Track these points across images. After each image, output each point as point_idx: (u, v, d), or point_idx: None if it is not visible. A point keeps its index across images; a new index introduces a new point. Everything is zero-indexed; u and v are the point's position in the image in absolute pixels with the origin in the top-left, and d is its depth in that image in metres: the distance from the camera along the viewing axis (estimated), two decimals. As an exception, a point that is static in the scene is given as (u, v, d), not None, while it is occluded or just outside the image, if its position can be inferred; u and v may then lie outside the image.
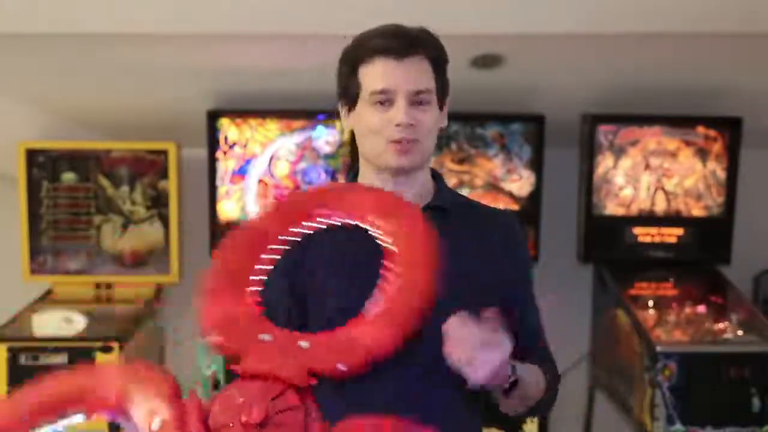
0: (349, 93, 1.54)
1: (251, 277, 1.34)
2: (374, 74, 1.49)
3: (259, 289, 1.42)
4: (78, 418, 1.26)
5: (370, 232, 1.36)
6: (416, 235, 1.32)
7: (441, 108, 1.56)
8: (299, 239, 1.51)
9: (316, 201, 1.43)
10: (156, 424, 1.20)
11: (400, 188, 1.55)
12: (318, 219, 1.41)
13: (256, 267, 1.35)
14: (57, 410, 1.25)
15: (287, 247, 1.47)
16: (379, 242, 1.34)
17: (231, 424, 1.18)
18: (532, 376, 1.49)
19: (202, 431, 1.18)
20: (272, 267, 1.54)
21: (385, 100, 1.49)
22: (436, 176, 1.63)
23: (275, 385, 1.21)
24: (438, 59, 1.53)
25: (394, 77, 1.48)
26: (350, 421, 1.20)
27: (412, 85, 1.49)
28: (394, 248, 1.32)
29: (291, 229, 1.39)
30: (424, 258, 1.30)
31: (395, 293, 1.27)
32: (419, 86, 1.49)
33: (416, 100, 1.49)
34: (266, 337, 1.26)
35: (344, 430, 1.19)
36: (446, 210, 1.57)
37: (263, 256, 1.36)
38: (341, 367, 1.22)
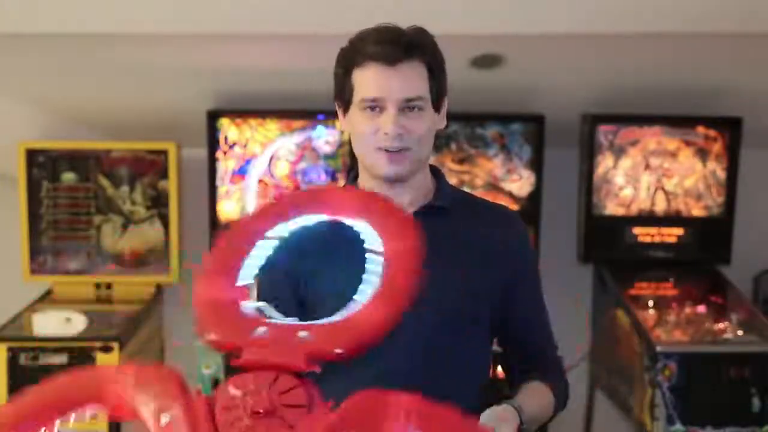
0: (343, 95, 1.53)
1: (242, 273, 1.34)
2: (366, 80, 1.48)
3: (253, 286, 1.43)
4: (83, 416, 1.27)
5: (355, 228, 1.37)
6: (396, 226, 1.33)
7: (438, 110, 1.55)
8: (299, 242, 1.52)
9: (301, 200, 1.43)
10: (165, 419, 1.21)
11: (397, 192, 1.55)
12: (303, 217, 1.41)
13: (247, 263, 1.35)
14: (60, 411, 1.26)
15: (283, 247, 1.48)
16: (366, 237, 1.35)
17: (239, 418, 1.19)
18: (540, 408, 1.49)
19: (211, 427, 1.19)
20: (272, 271, 1.55)
21: (375, 107, 1.48)
22: (437, 173, 1.63)
23: (271, 372, 1.22)
24: (433, 64, 1.52)
25: (386, 85, 1.47)
26: (356, 397, 1.21)
27: (403, 93, 1.47)
28: (374, 240, 1.32)
29: (279, 226, 1.39)
30: (411, 240, 1.30)
31: (383, 278, 1.27)
32: (410, 94, 1.48)
33: (408, 107, 1.48)
34: (263, 329, 1.27)
35: (350, 407, 1.20)
36: (446, 209, 1.57)
37: (253, 252, 1.36)
38: (338, 350, 1.21)
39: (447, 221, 1.55)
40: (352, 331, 1.24)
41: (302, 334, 1.25)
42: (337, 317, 1.27)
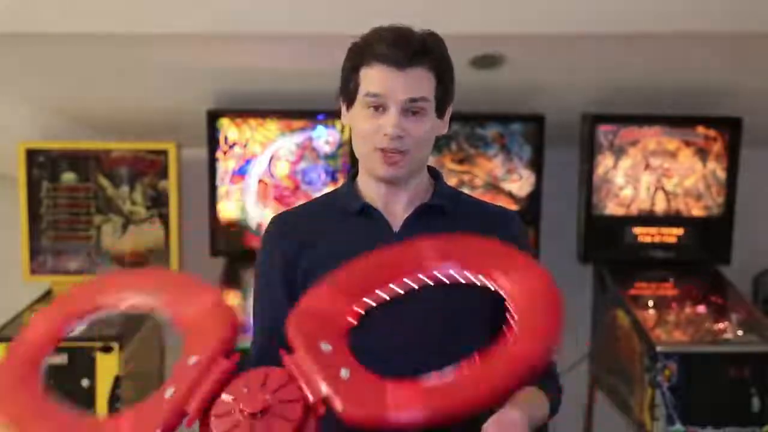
0: (348, 90, 1.53)
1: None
2: (373, 78, 1.49)
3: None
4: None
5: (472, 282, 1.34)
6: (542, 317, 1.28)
7: (441, 116, 1.55)
8: (293, 242, 1.53)
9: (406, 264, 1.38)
10: (192, 360, 1.25)
11: (394, 192, 1.55)
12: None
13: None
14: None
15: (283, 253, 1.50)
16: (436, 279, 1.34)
17: (232, 411, 1.18)
18: (536, 409, 1.47)
19: (198, 413, 1.21)
20: (270, 278, 1.56)
21: (378, 104, 1.48)
22: (436, 174, 1.63)
23: (277, 376, 1.22)
24: (442, 70, 1.52)
25: (392, 85, 1.47)
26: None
27: (407, 94, 1.47)
28: (513, 312, 1.27)
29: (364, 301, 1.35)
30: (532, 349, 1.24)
31: (467, 377, 1.21)
32: (414, 94, 1.48)
33: (410, 108, 1.48)
34: (327, 346, 1.26)
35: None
36: (443, 209, 1.57)
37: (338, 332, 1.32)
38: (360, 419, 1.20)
39: (445, 220, 1.55)
40: (382, 410, 1.19)
41: (345, 373, 1.22)
42: (384, 382, 1.21)
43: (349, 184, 1.60)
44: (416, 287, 1.37)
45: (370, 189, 1.57)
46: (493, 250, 1.38)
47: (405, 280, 1.35)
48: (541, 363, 1.22)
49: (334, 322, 1.30)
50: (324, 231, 1.56)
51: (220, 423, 1.20)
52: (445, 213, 1.57)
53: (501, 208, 1.70)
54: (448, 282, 1.36)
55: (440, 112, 1.54)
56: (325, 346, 1.25)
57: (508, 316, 1.28)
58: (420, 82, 1.48)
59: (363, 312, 1.34)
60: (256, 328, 1.58)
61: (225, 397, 1.22)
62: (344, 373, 1.22)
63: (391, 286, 1.35)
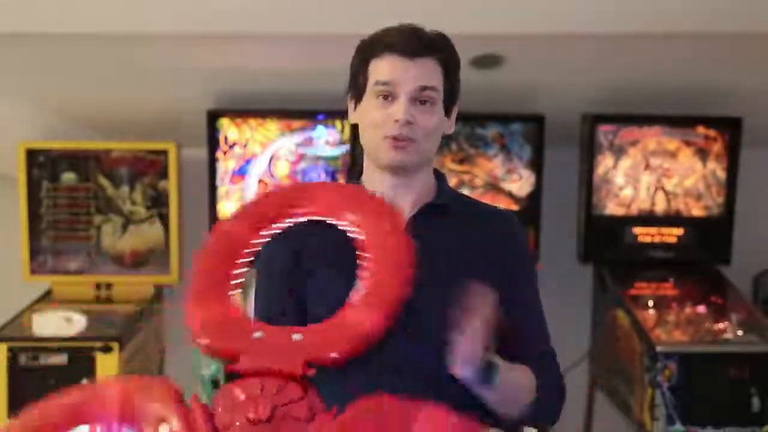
0: (357, 85, 1.54)
1: (231, 281, 1.35)
2: (383, 67, 1.49)
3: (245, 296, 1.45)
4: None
5: (340, 227, 1.37)
6: (386, 223, 1.34)
7: (448, 114, 1.56)
8: (293, 242, 1.53)
9: (285, 201, 1.43)
10: (164, 431, 1.21)
11: (400, 187, 1.55)
12: (287, 218, 1.41)
13: (234, 272, 1.35)
14: (62, 427, 1.26)
15: (280, 243, 1.49)
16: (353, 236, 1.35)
17: (237, 423, 1.18)
18: (515, 373, 1.46)
19: (211, 429, 1.19)
20: (269, 270, 1.56)
21: (388, 93, 1.49)
22: (439, 176, 1.63)
23: (275, 379, 1.21)
24: (450, 65, 1.53)
25: (402, 74, 1.48)
26: (359, 405, 1.20)
27: (418, 82, 1.48)
28: (363, 237, 1.33)
29: (262, 231, 1.40)
30: (398, 241, 1.31)
31: (375, 278, 1.28)
32: (424, 82, 1.48)
33: (420, 98, 1.49)
34: (259, 334, 1.27)
35: (352, 417, 1.19)
36: (447, 208, 1.57)
37: (239, 260, 1.37)
38: (334, 354, 1.22)
39: (448, 220, 1.55)
40: (345, 336, 1.24)
41: (296, 337, 1.25)
42: (330, 321, 1.27)
43: (354, 182, 1.61)
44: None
45: (375, 185, 1.56)
46: (350, 194, 1.43)
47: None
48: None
49: (233, 318, 1.31)
50: (327, 227, 1.55)
51: (226, 416, 1.19)
52: (449, 212, 1.57)
53: (500, 209, 1.70)
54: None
55: (446, 109, 1.55)
56: (257, 334, 1.27)
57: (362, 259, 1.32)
58: (429, 72, 1.49)
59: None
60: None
61: (237, 393, 1.21)
62: (296, 336, 1.25)
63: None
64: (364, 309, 1.25)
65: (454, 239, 1.54)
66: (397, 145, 1.49)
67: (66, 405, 1.27)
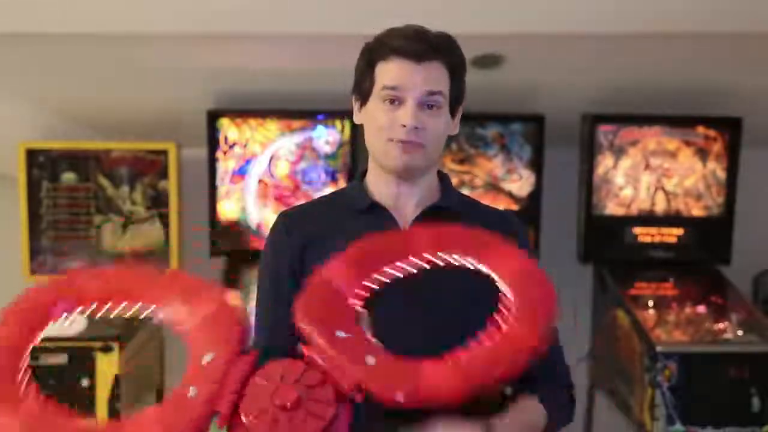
0: (363, 88, 1.53)
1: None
2: (389, 71, 1.49)
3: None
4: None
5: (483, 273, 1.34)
6: (538, 289, 1.29)
7: (453, 115, 1.55)
8: (301, 245, 1.52)
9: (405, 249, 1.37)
10: (207, 358, 1.22)
11: (405, 192, 1.55)
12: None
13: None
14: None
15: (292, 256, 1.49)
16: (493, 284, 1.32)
17: (264, 408, 1.18)
18: (524, 426, 1.45)
19: (238, 389, 1.19)
20: (276, 274, 1.55)
21: (395, 97, 1.48)
22: (443, 177, 1.63)
23: (300, 368, 1.21)
24: (456, 67, 1.52)
25: (409, 77, 1.47)
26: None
27: (426, 86, 1.47)
28: (509, 295, 1.28)
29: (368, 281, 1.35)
30: (540, 320, 1.25)
31: (489, 349, 1.22)
32: (432, 87, 1.48)
33: (427, 102, 1.48)
34: (342, 334, 1.25)
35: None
36: (450, 210, 1.57)
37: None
38: (398, 397, 1.18)
39: (451, 222, 1.55)
40: (419, 388, 1.18)
41: (371, 360, 1.21)
42: (411, 363, 1.21)
43: (358, 183, 1.60)
44: (419, 272, 1.37)
45: (380, 187, 1.56)
46: (482, 238, 1.38)
47: (401, 264, 1.36)
48: (540, 343, 1.23)
49: (341, 308, 1.30)
50: (331, 228, 1.55)
51: (256, 419, 1.18)
52: (453, 214, 1.57)
53: (501, 211, 1.70)
54: (442, 265, 1.36)
55: (452, 111, 1.54)
56: (341, 334, 1.25)
57: (502, 296, 1.28)
58: (436, 75, 1.49)
59: (366, 296, 1.34)
60: (259, 325, 1.57)
61: (253, 391, 1.21)
62: (370, 360, 1.21)
63: (389, 270, 1.35)
64: (451, 375, 1.20)
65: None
66: (406, 148, 1.49)
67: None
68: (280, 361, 1.23)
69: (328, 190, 3.42)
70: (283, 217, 1.61)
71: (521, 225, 1.65)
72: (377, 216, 1.55)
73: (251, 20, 3.07)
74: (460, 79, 1.54)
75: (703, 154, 3.71)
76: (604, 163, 3.70)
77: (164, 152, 3.66)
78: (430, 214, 1.56)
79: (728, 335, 3.34)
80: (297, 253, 1.54)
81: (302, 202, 1.77)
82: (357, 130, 3.50)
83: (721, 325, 3.41)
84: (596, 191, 3.71)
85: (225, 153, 3.62)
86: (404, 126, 1.47)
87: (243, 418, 1.18)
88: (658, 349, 3.15)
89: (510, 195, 3.69)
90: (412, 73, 1.47)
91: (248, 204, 3.63)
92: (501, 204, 3.61)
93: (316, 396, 1.19)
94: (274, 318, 1.53)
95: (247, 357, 1.23)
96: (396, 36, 1.50)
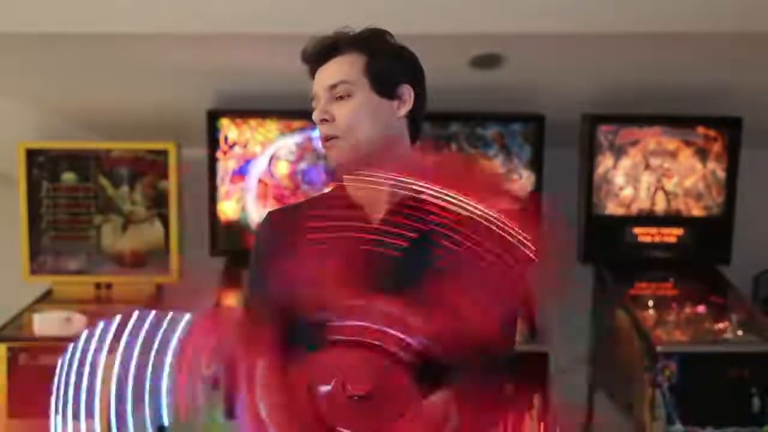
0: None
1: None
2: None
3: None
4: None
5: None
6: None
7: (390, 94, 1.54)
8: (282, 242, 1.53)
9: None
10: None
11: (369, 187, 1.54)
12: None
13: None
14: None
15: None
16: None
17: (331, 390, 1.16)
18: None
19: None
20: (261, 269, 1.56)
21: (316, 104, 1.54)
22: None
23: (382, 359, 1.18)
24: (371, 46, 1.54)
25: (317, 81, 1.54)
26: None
27: (326, 82, 1.52)
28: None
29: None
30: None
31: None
32: (332, 81, 1.52)
33: (335, 95, 1.52)
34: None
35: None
36: (424, 201, 1.55)
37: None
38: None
39: (429, 212, 1.53)
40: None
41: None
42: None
43: (338, 184, 1.62)
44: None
45: (349, 189, 1.58)
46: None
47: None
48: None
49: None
50: (310, 227, 1.56)
51: (328, 403, 1.16)
52: (426, 204, 1.55)
53: None
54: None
55: (386, 89, 1.54)
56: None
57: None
58: (339, 68, 1.53)
59: None
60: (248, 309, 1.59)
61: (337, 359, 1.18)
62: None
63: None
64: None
65: (432, 234, 1.52)
66: (325, 146, 1.53)
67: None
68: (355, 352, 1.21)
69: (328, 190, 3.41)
70: (266, 216, 1.64)
71: None
72: (352, 213, 1.56)
73: (251, 20, 3.07)
74: (385, 57, 1.54)
75: (703, 154, 3.71)
76: (604, 163, 3.70)
77: (164, 152, 3.66)
78: (403, 206, 1.54)
79: (728, 335, 3.34)
80: (278, 251, 1.54)
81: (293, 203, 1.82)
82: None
83: (721, 325, 3.41)
84: (596, 191, 3.71)
85: (225, 153, 3.62)
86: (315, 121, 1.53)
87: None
88: (658, 349, 3.15)
89: (510, 195, 3.68)
90: (318, 75, 1.54)
91: (248, 204, 3.63)
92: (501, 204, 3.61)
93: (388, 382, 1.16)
94: (260, 302, 1.54)
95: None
96: (305, 50, 1.57)
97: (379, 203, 1.55)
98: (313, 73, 1.56)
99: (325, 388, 1.15)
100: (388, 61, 1.54)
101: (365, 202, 1.56)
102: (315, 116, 1.52)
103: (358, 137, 1.52)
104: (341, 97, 1.51)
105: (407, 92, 1.56)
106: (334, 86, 1.52)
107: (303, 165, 3.63)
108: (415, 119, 1.57)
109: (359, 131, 1.52)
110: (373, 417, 1.15)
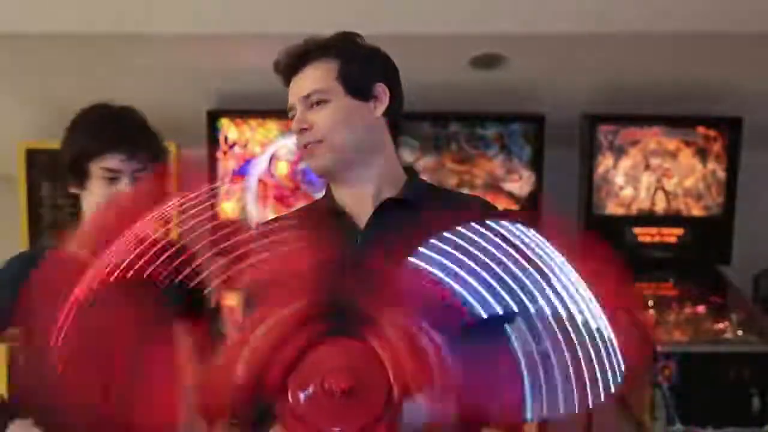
0: None
1: None
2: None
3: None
4: None
5: None
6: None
7: (366, 96, 1.55)
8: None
9: None
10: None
11: (354, 191, 1.56)
12: None
13: None
14: None
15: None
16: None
17: (312, 387, 1.15)
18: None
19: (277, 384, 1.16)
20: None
21: (293, 113, 1.57)
22: (408, 171, 1.63)
23: (365, 355, 1.18)
24: (343, 51, 1.55)
25: (292, 93, 1.58)
26: None
27: (299, 93, 1.55)
28: None
29: None
30: None
31: None
32: (305, 91, 1.55)
33: (310, 103, 1.54)
34: None
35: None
36: (411, 202, 1.55)
37: None
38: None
39: (414, 214, 1.52)
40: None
41: None
42: None
43: (327, 190, 1.63)
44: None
45: (337, 193, 1.60)
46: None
47: None
48: None
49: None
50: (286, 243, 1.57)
51: (305, 399, 1.15)
52: (414, 205, 1.55)
53: (468, 197, 1.71)
54: None
55: (360, 91, 1.54)
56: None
57: None
58: (312, 77, 1.55)
59: None
60: None
61: (306, 371, 1.17)
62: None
63: None
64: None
65: (422, 233, 1.52)
66: (305, 153, 1.55)
67: None
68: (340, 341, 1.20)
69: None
70: (260, 225, 1.65)
71: (489, 209, 1.62)
72: (340, 219, 1.56)
73: (251, 20, 3.07)
74: (354, 63, 1.55)
75: (703, 154, 3.71)
76: (604, 163, 3.70)
77: (164, 152, 3.65)
78: (387, 209, 1.55)
79: (728, 335, 3.34)
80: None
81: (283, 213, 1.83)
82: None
83: (720, 325, 3.41)
84: (596, 191, 3.71)
85: (225, 153, 3.62)
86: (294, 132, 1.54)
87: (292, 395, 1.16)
88: (658, 349, 3.15)
89: (510, 195, 3.69)
90: (292, 86, 1.58)
91: (248, 204, 3.63)
92: (501, 204, 3.61)
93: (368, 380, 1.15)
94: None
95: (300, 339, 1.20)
96: (277, 62, 1.61)
97: (365, 206, 1.55)
98: (287, 84, 1.59)
99: (305, 393, 1.15)
100: (359, 64, 1.55)
101: (349, 205, 1.57)
102: (293, 127, 1.54)
103: (337, 142, 1.53)
104: (316, 104, 1.54)
105: (382, 91, 1.57)
106: (308, 96, 1.54)
107: (303, 165, 3.63)
108: (393, 117, 1.58)
109: (338, 136, 1.54)
110: (359, 411, 1.14)
